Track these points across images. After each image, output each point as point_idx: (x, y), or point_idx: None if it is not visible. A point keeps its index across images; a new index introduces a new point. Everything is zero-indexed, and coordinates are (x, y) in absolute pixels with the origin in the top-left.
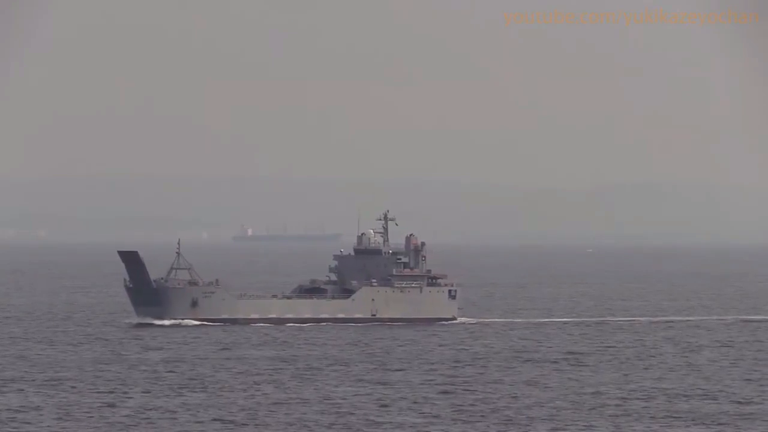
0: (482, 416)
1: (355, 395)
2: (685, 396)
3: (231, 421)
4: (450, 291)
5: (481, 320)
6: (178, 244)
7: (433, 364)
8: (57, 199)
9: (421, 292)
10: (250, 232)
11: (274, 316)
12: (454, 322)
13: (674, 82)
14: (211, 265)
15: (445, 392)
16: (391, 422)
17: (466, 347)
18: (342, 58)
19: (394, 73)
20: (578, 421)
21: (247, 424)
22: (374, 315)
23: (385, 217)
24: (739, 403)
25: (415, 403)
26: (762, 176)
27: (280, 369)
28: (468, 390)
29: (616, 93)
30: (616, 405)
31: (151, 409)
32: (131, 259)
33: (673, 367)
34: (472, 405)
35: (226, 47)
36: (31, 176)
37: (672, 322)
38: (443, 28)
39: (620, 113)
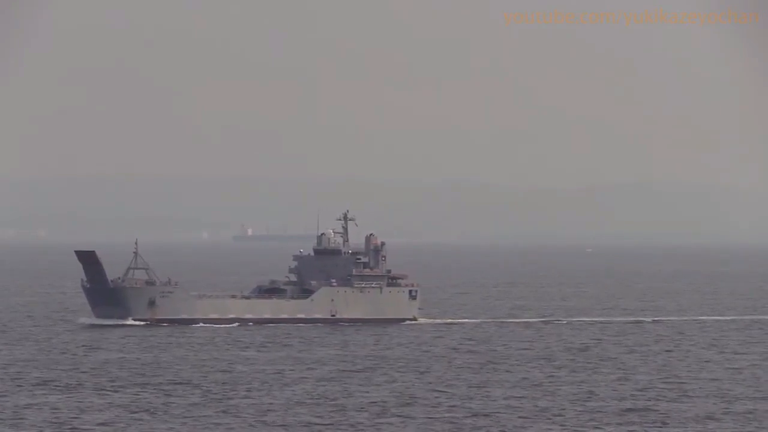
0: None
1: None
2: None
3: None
4: (410, 291)
5: (442, 321)
6: (136, 244)
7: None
8: (57, 199)
9: (381, 292)
10: (250, 232)
11: (233, 316)
12: (414, 322)
13: (674, 82)
14: (212, 265)
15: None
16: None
17: (423, 348)
18: (343, 58)
19: (395, 73)
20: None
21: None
22: (334, 315)
23: (345, 217)
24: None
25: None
26: (762, 176)
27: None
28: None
29: (615, 93)
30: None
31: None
32: (88, 259)
33: (631, 367)
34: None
35: (226, 47)
36: (31, 176)
37: (641, 322)
38: (443, 28)
39: (620, 113)
